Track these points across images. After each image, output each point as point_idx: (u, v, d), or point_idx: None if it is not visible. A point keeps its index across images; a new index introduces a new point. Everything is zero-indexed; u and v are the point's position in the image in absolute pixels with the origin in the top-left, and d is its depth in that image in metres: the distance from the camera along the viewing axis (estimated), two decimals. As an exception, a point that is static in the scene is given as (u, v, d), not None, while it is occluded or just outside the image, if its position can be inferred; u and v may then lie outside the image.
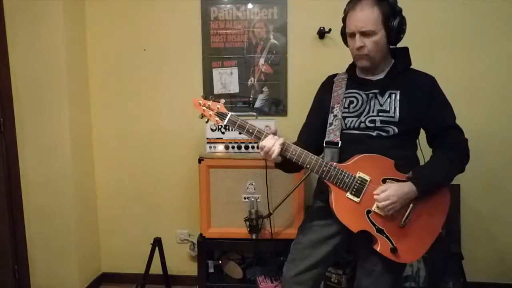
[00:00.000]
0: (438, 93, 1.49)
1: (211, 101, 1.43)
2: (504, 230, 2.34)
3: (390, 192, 1.37)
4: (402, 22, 1.45)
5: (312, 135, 1.61)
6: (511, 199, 2.32)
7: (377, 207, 1.40)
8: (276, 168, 1.56)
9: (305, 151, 1.42)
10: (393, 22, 1.42)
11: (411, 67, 1.55)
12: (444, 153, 1.45)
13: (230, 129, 2.11)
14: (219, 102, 1.43)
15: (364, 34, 1.43)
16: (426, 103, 1.46)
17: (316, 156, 1.43)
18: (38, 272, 2.36)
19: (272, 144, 1.37)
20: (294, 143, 1.48)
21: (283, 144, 1.39)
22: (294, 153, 1.41)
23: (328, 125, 1.54)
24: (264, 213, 2.06)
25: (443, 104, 1.49)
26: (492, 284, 2.37)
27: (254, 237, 2.04)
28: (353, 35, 1.46)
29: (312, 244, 1.55)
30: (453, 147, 1.45)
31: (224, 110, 1.42)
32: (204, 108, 1.43)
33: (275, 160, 1.42)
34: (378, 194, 1.39)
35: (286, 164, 1.47)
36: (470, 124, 2.22)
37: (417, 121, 1.48)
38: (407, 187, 1.39)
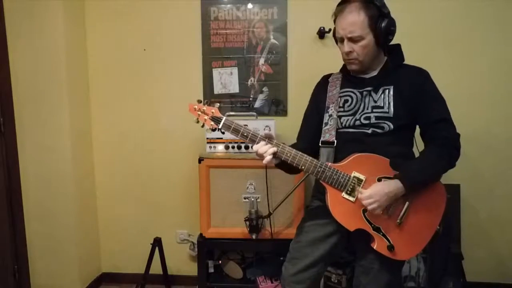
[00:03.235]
0: (430, 87, 1.48)
1: (206, 105, 1.45)
2: (504, 230, 2.34)
3: (372, 191, 1.38)
4: (390, 24, 1.44)
5: (311, 135, 1.61)
6: (511, 199, 2.32)
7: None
8: (276, 168, 1.56)
9: (300, 152, 1.43)
10: (381, 24, 1.42)
11: (405, 62, 1.54)
12: (433, 149, 1.44)
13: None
14: (214, 106, 1.45)
15: (352, 39, 1.44)
16: (417, 96, 1.45)
17: (310, 157, 1.43)
18: (38, 272, 2.36)
19: (264, 151, 1.40)
20: (293, 145, 1.49)
21: (276, 149, 1.41)
22: (288, 154, 1.43)
23: (323, 125, 1.55)
24: (264, 213, 2.06)
25: (434, 98, 1.48)
26: (492, 284, 2.37)
27: (254, 237, 2.04)
28: (341, 39, 1.47)
29: (310, 243, 1.56)
30: (442, 143, 1.43)
31: (219, 115, 1.44)
32: (199, 113, 1.45)
33: (269, 164, 1.44)
34: (361, 193, 1.40)
35: (285, 165, 1.48)
36: (470, 124, 2.25)
37: (410, 116, 1.47)
38: (393, 185, 1.39)
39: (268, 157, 1.40)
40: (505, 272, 2.37)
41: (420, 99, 1.46)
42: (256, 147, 1.42)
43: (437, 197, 1.48)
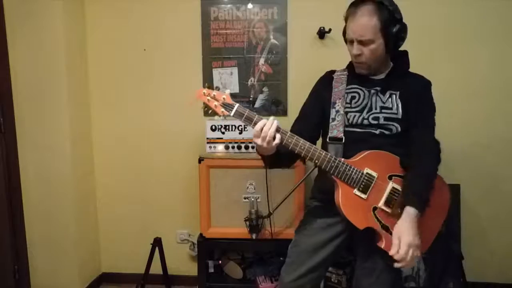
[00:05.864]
0: (429, 96, 1.52)
1: (216, 91, 1.37)
2: (504, 230, 2.35)
3: (404, 241, 1.32)
4: (402, 30, 1.43)
5: (307, 127, 1.57)
6: (511, 199, 2.32)
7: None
8: (273, 168, 1.54)
9: (314, 146, 1.40)
10: (392, 30, 1.41)
11: (410, 70, 1.56)
12: (427, 164, 1.44)
13: (231, 128, 2.12)
14: (224, 93, 1.37)
15: (362, 42, 1.43)
16: (416, 104, 1.48)
17: (324, 152, 1.41)
18: (38, 272, 2.35)
19: (268, 127, 1.33)
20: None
21: (279, 129, 1.36)
22: (303, 147, 1.38)
23: (330, 120, 1.53)
24: (264, 213, 2.06)
25: (429, 107, 1.51)
26: (492, 284, 2.37)
27: (254, 237, 2.04)
28: (351, 41, 1.46)
29: (311, 248, 1.54)
30: (429, 146, 1.46)
31: (231, 101, 1.36)
32: (209, 98, 1.36)
33: (271, 150, 1.37)
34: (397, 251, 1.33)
35: (277, 157, 1.44)
36: (470, 124, 2.25)
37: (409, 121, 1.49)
38: (410, 219, 1.35)
39: (272, 131, 1.32)
40: (505, 272, 2.37)
41: (418, 105, 1.48)
42: (258, 125, 1.34)
43: (442, 198, 1.49)
